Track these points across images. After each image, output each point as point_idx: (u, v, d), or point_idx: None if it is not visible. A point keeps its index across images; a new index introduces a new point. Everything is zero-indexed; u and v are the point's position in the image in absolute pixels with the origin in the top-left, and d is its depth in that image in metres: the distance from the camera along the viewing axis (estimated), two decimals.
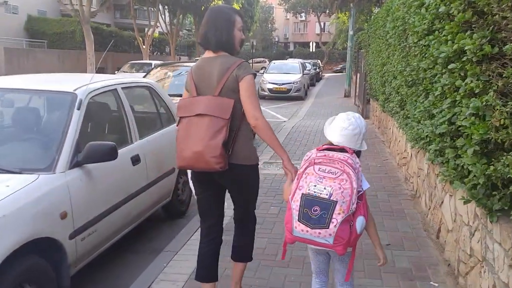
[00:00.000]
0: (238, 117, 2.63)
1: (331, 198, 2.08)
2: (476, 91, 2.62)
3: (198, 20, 36.19)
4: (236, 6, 37.14)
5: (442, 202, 3.99)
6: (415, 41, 4.23)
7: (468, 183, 3.01)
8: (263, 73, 21.49)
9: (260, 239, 4.16)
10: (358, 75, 17.00)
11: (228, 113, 2.56)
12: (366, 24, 22.11)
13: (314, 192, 2.12)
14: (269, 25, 68.38)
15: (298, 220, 2.13)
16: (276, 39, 72.08)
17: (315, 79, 30.52)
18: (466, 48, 2.60)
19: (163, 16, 32.03)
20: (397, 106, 6.06)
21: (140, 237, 4.61)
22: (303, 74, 21.02)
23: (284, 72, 20.77)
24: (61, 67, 26.13)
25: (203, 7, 30.37)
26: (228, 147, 2.60)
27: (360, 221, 2.17)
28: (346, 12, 37.75)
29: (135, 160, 4.04)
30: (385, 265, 2.49)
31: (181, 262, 3.86)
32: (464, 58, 2.72)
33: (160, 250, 4.20)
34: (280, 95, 19.38)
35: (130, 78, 4.72)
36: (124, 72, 19.80)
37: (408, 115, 5.39)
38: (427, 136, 4.03)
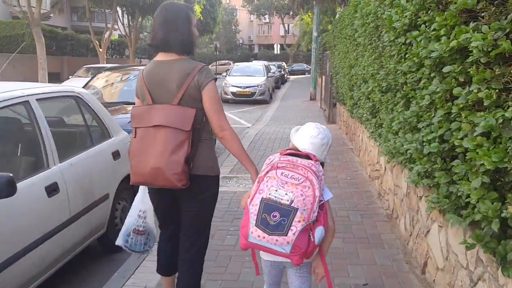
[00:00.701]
0: (199, 127, 2.44)
1: (292, 205, 1.99)
2: (485, 103, 1.94)
3: None
4: (197, 7, 36.34)
5: (428, 232, 3.33)
6: (391, 39, 3.56)
7: (467, 218, 2.36)
8: (225, 76, 20.71)
9: (212, 282, 3.40)
10: (324, 77, 16.47)
11: (189, 124, 2.36)
12: (330, 26, 21.75)
13: (275, 197, 2.02)
14: (233, 27, 67.81)
15: (255, 225, 2.01)
16: (241, 41, 71.56)
17: (280, 81, 29.96)
18: (472, 45, 1.91)
19: (121, 18, 30.83)
20: (368, 113, 5.42)
21: (71, 277, 3.78)
22: (268, 77, 20.37)
23: (247, 75, 20.04)
24: (12, 72, 24.55)
25: None
26: (190, 161, 2.40)
27: (319, 232, 2.07)
28: (310, 14, 37.83)
29: (52, 190, 3.21)
30: (320, 281, 2.32)
31: None
32: (469, 59, 2.03)
33: None
34: (244, 99, 18.65)
35: (51, 87, 3.86)
36: (79, 77, 18.67)
37: (382, 124, 4.74)
38: (407, 151, 3.37)
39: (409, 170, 3.64)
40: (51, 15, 31.08)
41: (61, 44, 30.89)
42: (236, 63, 23.91)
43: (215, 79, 2.49)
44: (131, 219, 2.91)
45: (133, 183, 2.55)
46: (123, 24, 30.57)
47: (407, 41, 3.10)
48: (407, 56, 3.16)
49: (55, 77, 23.58)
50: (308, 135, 2.24)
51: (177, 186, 2.37)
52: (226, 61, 53.69)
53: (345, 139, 9.43)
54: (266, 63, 26.21)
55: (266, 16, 61.30)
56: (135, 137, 2.49)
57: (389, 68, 3.82)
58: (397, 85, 3.55)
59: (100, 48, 25.71)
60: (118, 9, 29.50)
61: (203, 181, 2.51)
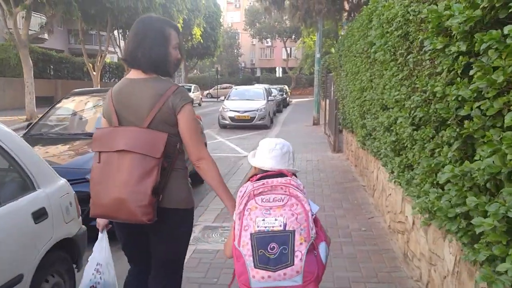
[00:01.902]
0: (172, 154, 2.21)
1: (286, 229, 1.80)
2: None
3: None
4: (197, 30, 35.65)
5: None
6: (437, 47, 2.33)
7: None
8: (223, 100, 19.61)
9: None
10: (327, 100, 15.33)
11: (160, 150, 2.10)
12: (333, 48, 20.66)
13: (265, 227, 1.81)
14: (235, 51, 67.40)
15: (255, 267, 1.79)
16: (243, 65, 71.19)
17: (282, 105, 28.92)
18: None
19: (117, 41, 29.98)
20: (389, 149, 4.17)
21: None
22: (268, 101, 19.24)
23: (247, 99, 18.94)
24: (1, 97, 23.61)
25: None
26: (159, 192, 2.14)
27: (323, 249, 1.88)
28: (312, 36, 37.21)
29: None
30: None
31: None
32: None
33: None
34: (243, 124, 17.48)
35: None
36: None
37: (412, 166, 3.51)
38: (463, 217, 2.13)
39: (463, 245, 2.39)
40: (46, 37, 30.51)
41: (56, 67, 30.06)
42: (235, 87, 22.83)
43: (192, 101, 2.25)
44: (86, 276, 2.62)
45: (92, 216, 2.33)
46: (119, 47, 29.68)
47: (470, 50, 1.88)
48: (473, 73, 1.92)
49: (48, 101, 22.49)
50: (266, 150, 2.08)
51: (141, 220, 2.11)
52: (228, 85, 52.96)
53: (354, 172, 8.17)
54: (267, 86, 25.19)
55: (268, 40, 60.99)
56: (98, 163, 2.23)
57: (430, 92, 2.59)
58: (449, 117, 2.31)
59: (94, 71, 24.72)
60: (116, 32, 28.70)
61: (174, 216, 2.27)
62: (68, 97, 6.70)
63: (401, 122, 3.51)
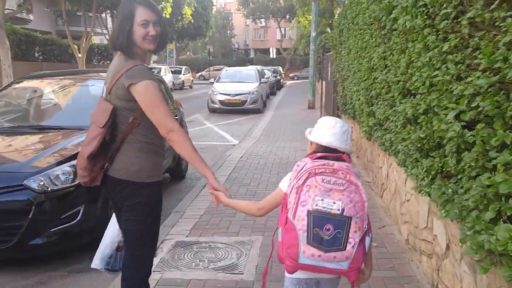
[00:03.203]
0: (122, 126, 2.30)
1: (344, 214, 1.78)
2: None
3: None
4: (187, 10, 34.25)
5: None
6: None
7: None
8: (213, 83, 18.49)
9: None
10: (324, 82, 14.26)
11: (103, 120, 2.25)
12: (328, 28, 19.60)
13: (323, 207, 1.78)
14: (228, 32, 65.88)
15: (307, 243, 1.76)
16: (236, 46, 69.78)
17: (275, 87, 27.81)
18: None
19: (104, 22, 28.62)
20: (415, 148, 3.14)
21: None
22: (260, 83, 18.11)
23: (238, 81, 17.79)
24: None
25: None
26: (105, 160, 2.33)
27: (368, 241, 1.86)
28: (307, 16, 35.91)
29: None
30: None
31: None
32: None
33: None
34: (234, 108, 16.40)
35: None
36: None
37: (448, 174, 2.50)
38: None
39: None
40: (31, 18, 29.06)
41: (42, 50, 28.66)
42: (225, 68, 21.67)
43: (149, 79, 2.23)
44: (111, 237, 2.66)
45: None
46: (106, 28, 28.32)
47: None
48: None
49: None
50: (325, 127, 2.00)
51: (81, 182, 2.38)
52: (221, 67, 51.66)
53: (357, 165, 7.16)
54: (259, 67, 24.01)
55: (262, 20, 59.58)
56: None
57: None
58: None
59: (80, 53, 23.42)
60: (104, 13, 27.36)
61: (121, 186, 2.33)
62: (19, 81, 5.59)
63: (438, 115, 2.47)
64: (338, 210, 1.78)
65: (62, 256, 4.02)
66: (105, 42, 35.69)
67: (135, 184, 2.31)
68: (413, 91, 3.10)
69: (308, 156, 1.94)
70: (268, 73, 26.20)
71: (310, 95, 17.52)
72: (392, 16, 3.38)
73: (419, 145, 3.04)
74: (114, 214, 2.63)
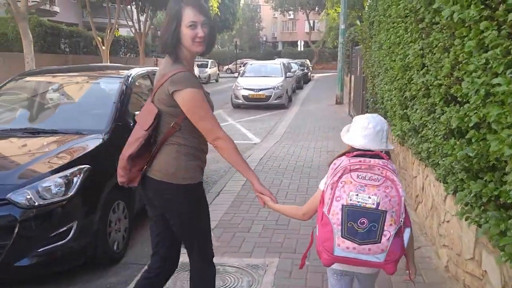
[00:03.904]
0: (165, 130, 2.31)
1: (379, 208, 1.80)
2: None
3: None
4: (214, 2, 33.76)
5: None
6: None
7: None
8: (237, 77, 17.99)
9: None
10: (353, 76, 13.60)
11: (147, 124, 2.27)
12: (357, 21, 18.74)
13: (358, 202, 1.82)
14: (256, 24, 65.23)
15: (342, 236, 1.81)
16: (264, 39, 69.20)
17: (302, 81, 27.12)
18: None
19: (130, 13, 28.43)
20: (460, 167, 2.57)
21: None
22: (286, 77, 17.51)
23: (262, 76, 17.24)
24: (7, 72, 22.35)
25: None
26: (145, 162, 2.35)
27: (407, 234, 1.88)
28: (337, 8, 35.04)
29: None
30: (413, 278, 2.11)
31: None
32: None
33: None
34: (258, 104, 15.86)
35: None
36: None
37: (506, 204, 1.94)
38: None
39: None
40: (57, 10, 29.12)
41: (67, 42, 28.69)
42: (250, 62, 21.13)
43: (194, 87, 2.23)
44: None
45: None
46: (132, 20, 28.15)
47: None
48: None
49: None
50: (359, 129, 2.02)
51: (118, 181, 2.40)
52: (249, 60, 51.24)
53: None
54: (286, 61, 23.40)
55: (291, 12, 58.66)
56: None
57: None
58: None
59: (104, 45, 23.27)
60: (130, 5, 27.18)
61: (158, 187, 2.35)
62: (18, 78, 5.20)
63: (496, 132, 1.91)
64: (373, 204, 1.79)
65: (54, 278, 3.61)
66: (131, 34, 35.76)
67: (168, 185, 2.32)
68: (459, 99, 2.53)
69: (345, 155, 1.97)
70: (295, 67, 25.55)
71: (338, 90, 16.84)
72: (433, 6, 2.80)
73: (466, 164, 2.47)
74: None
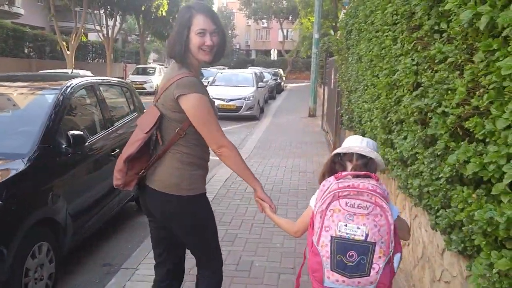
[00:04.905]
0: (168, 138, 2.26)
1: (367, 240, 1.77)
2: None
3: (144, 24, 31.81)
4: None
5: None
6: None
7: None
8: (207, 86, 17.21)
9: None
10: (326, 88, 12.99)
11: (148, 127, 2.23)
12: (331, 30, 18.30)
13: (347, 234, 1.78)
14: (230, 32, 64.60)
15: (331, 269, 1.80)
16: (237, 46, 68.52)
17: (275, 91, 26.51)
18: None
19: (99, 18, 27.36)
20: (478, 231, 1.86)
21: None
22: (258, 87, 16.81)
23: (233, 85, 16.51)
24: None
25: (143, 7, 25.94)
26: (142, 165, 2.29)
27: (397, 259, 1.85)
28: (310, 18, 34.68)
29: None
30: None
31: None
32: None
33: None
34: (228, 114, 15.07)
35: None
36: None
37: None
38: None
39: None
40: (21, 12, 27.75)
41: (32, 46, 27.37)
42: (220, 71, 20.39)
43: (197, 91, 2.19)
44: None
45: None
46: (99, 25, 27.07)
47: None
48: None
49: None
50: (353, 141, 2.03)
51: (114, 184, 2.32)
52: (221, 67, 50.44)
53: None
54: (258, 70, 22.76)
55: (264, 21, 58.29)
56: None
57: None
58: None
59: (68, 50, 22.14)
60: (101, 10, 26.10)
61: (160, 198, 2.27)
62: None
63: None
64: (362, 235, 1.76)
65: None
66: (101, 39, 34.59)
67: (171, 196, 2.25)
68: (478, 136, 1.82)
69: (334, 176, 1.91)
70: (267, 76, 24.90)
71: (311, 102, 16.24)
72: (440, 9, 2.10)
73: (488, 228, 1.77)
74: None
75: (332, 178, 1.89)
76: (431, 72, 2.41)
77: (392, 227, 1.79)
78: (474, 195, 1.85)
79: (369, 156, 1.95)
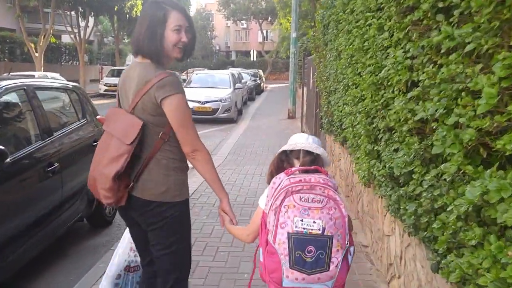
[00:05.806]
0: (151, 143, 2.16)
1: (325, 233, 1.75)
2: None
3: (119, 25, 30.88)
4: None
5: None
6: None
7: None
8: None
9: None
10: (305, 88, 12.39)
11: (131, 137, 2.08)
12: (310, 30, 17.73)
13: (304, 229, 1.74)
14: (209, 33, 63.76)
15: (291, 268, 1.74)
16: (217, 48, 67.78)
17: (254, 92, 25.88)
18: None
19: (71, 19, 26.36)
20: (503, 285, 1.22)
21: None
22: (235, 89, 16.14)
23: (209, 87, 15.81)
24: None
25: (116, 7, 25.06)
26: (130, 179, 2.16)
27: (350, 257, 1.86)
28: (289, 18, 34.14)
29: None
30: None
31: None
32: None
33: None
34: (204, 117, 14.36)
35: None
36: None
37: None
38: None
39: None
40: None
41: (0, 48, 26.25)
42: (196, 72, 19.67)
43: (180, 92, 2.09)
44: (120, 255, 2.67)
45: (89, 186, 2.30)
46: (71, 26, 26.07)
47: None
48: None
49: None
50: (298, 139, 2.04)
51: (104, 202, 2.20)
52: (201, 69, 49.65)
53: (348, 210, 5.26)
54: (236, 71, 22.10)
55: (243, 22, 57.66)
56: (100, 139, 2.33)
57: None
58: None
59: (37, 52, 21.16)
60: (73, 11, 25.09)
61: (148, 207, 2.17)
62: None
63: None
64: (319, 229, 1.75)
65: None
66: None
67: (163, 204, 2.17)
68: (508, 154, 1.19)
69: (284, 172, 1.89)
70: (246, 77, 24.26)
71: (290, 103, 15.65)
72: None
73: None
74: (126, 230, 2.60)
75: (282, 175, 1.87)
76: (434, 66, 1.78)
77: (346, 219, 1.78)
78: (510, 253, 1.22)
79: (316, 152, 1.94)
